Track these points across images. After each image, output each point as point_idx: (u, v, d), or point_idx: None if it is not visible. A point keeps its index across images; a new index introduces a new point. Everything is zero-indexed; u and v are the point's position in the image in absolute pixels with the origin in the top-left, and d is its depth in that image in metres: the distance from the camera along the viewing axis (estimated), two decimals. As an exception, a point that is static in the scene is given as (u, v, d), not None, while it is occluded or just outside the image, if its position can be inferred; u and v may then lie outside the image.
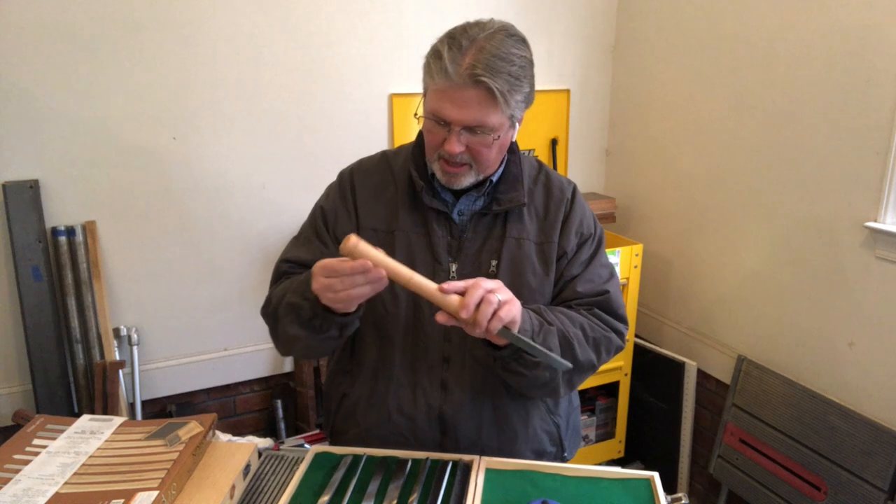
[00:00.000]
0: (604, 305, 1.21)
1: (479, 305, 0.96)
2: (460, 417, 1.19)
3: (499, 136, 1.09)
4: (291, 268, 1.23)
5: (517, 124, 1.15)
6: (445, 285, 0.97)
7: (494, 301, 0.96)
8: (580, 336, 1.14)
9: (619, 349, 1.22)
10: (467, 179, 1.14)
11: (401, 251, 1.18)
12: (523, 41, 1.10)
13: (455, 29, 1.08)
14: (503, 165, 1.22)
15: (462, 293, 0.97)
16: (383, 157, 1.29)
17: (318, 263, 1.02)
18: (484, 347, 1.08)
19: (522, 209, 1.20)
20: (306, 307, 1.06)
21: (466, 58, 1.03)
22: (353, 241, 0.97)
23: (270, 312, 1.18)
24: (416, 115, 1.14)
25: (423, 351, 1.19)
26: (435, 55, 1.07)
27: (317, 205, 1.28)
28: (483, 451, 1.20)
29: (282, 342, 1.17)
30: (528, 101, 1.13)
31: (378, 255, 0.97)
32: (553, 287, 1.22)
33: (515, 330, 1.01)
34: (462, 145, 1.08)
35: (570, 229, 1.22)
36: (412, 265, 1.10)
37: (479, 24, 1.07)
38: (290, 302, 1.10)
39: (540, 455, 1.27)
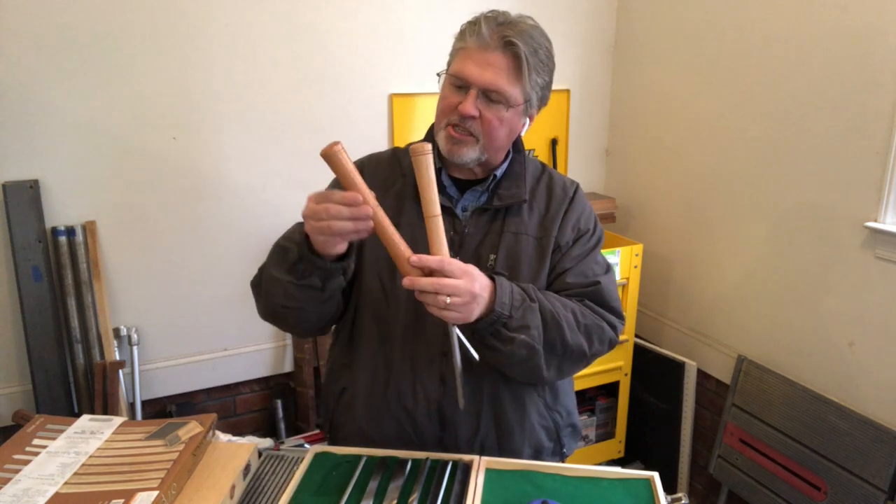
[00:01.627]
0: (594, 296, 1.20)
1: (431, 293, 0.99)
2: (459, 412, 1.19)
3: (510, 109, 1.12)
4: (286, 242, 1.22)
5: (528, 119, 1.19)
6: (415, 258, 0.99)
7: (441, 303, 0.98)
8: (570, 319, 1.13)
9: (613, 342, 1.21)
10: (470, 154, 1.15)
11: None
12: (550, 43, 1.18)
13: (494, 9, 1.15)
14: (507, 162, 1.23)
15: (429, 273, 0.99)
16: (394, 152, 1.31)
17: (313, 192, 1.02)
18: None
19: (522, 206, 1.22)
20: (293, 249, 1.06)
21: (501, 27, 1.11)
22: (339, 147, 0.96)
23: (261, 267, 1.18)
24: (438, 74, 1.19)
25: (423, 345, 1.19)
26: (471, 22, 1.14)
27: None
28: (482, 446, 1.20)
29: (264, 290, 1.14)
30: (544, 96, 1.19)
31: (354, 173, 0.97)
32: (546, 280, 1.22)
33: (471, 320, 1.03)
34: (476, 110, 1.12)
35: (568, 224, 1.23)
36: None
37: (516, 14, 1.15)
38: (280, 244, 1.10)
39: (538, 450, 1.27)
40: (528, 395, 1.24)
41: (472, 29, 1.12)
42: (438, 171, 1.21)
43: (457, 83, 1.13)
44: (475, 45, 1.11)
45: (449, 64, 1.17)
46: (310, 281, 1.07)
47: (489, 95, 1.11)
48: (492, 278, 1.08)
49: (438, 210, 1.01)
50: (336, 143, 0.96)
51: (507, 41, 1.09)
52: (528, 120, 1.20)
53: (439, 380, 1.19)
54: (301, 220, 1.28)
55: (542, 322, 1.10)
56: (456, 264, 1.01)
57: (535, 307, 1.10)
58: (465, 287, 1.00)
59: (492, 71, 1.10)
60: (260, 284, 1.18)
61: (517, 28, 1.11)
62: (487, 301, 1.05)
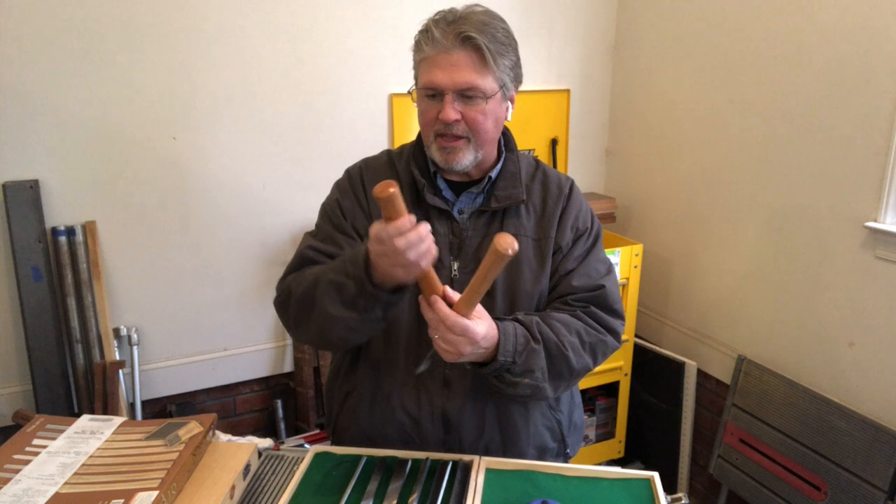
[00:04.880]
0: (599, 301, 1.21)
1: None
2: (463, 416, 1.19)
3: (489, 100, 1.12)
4: (317, 255, 1.19)
5: (510, 101, 1.18)
6: (434, 301, 1.01)
7: (431, 335, 1.02)
8: (576, 344, 1.15)
9: (614, 349, 1.23)
10: (466, 156, 1.15)
11: None
12: (505, 22, 1.16)
13: (441, 10, 1.14)
14: (501, 163, 1.23)
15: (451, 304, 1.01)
16: (388, 156, 1.30)
17: (375, 227, 0.97)
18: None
19: (520, 206, 1.21)
20: (351, 285, 1.03)
21: (453, 25, 1.10)
22: (396, 190, 0.91)
23: (300, 298, 1.12)
24: (409, 92, 1.18)
25: (425, 349, 1.19)
26: (423, 30, 1.13)
27: (329, 200, 1.27)
28: (486, 449, 1.20)
29: (316, 325, 1.10)
30: (517, 74, 1.17)
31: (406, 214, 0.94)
32: (549, 281, 1.22)
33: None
34: (457, 113, 1.11)
35: (566, 224, 1.23)
36: None
37: (463, 8, 1.14)
38: (332, 280, 1.06)
39: (542, 451, 1.27)
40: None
41: (425, 37, 1.12)
42: (434, 175, 1.21)
43: (430, 94, 1.13)
44: (434, 52, 1.10)
45: (415, 77, 1.17)
46: (372, 314, 1.06)
47: (465, 94, 1.11)
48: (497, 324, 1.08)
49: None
50: (392, 185, 0.91)
51: (464, 37, 1.08)
52: (509, 104, 1.19)
53: (442, 384, 1.19)
54: (309, 231, 1.28)
55: (547, 359, 1.11)
56: (457, 324, 0.99)
57: (538, 349, 1.10)
58: (456, 343, 1.01)
59: (459, 71, 1.09)
60: (300, 303, 1.13)
61: (469, 21, 1.10)
62: (490, 349, 1.06)
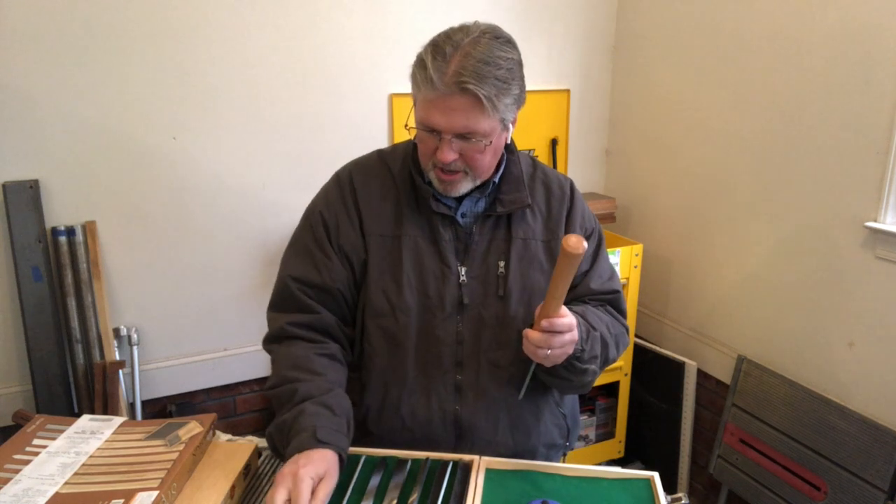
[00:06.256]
0: (615, 304, 1.26)
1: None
2: (476, 420, 1.19)
3: (490, 142, 1.09)
4: (300, 288, 1.18)
5: (510, 126, 1.15)
6: (547, 324, 1.03)
7: (542, 355, 1.04)
8: (607, 335, 1.18)
9: (626, 347, 1.27)
10: (464, 186, 1.14)
11: (408, 256, 1.17)
12: (509, 42, 1.08)
13: (438, 36, 1.07)
14: (503, 166, 1.22)
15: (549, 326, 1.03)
16: (380, 157, 1.27)
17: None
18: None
19: (526, 209, 1.21)
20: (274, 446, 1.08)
21: (451, 65, 1.02)
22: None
23: (271, 393, 1.13)
24: (406, 125, 1.14)
25: (435, 356, 1.18)
26: (419, 65, 1.06)
27: (314, 209, 1.24)
28: (498, 451, 1.19)
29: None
30: (519, 102, 1.12)
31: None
32: None
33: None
34: (454, 153, 1.08)
35: (575, 225, 1.24)
36: (421, 269, 1.11)
37: (462, 30, 1.06)
38: (269, 433, 1.09)
39: (551, 448, 1.28)
40: (542, 397, 1.25)
41: (423, 75, 1.04)
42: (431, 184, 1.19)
43: (428, 129, 1.08)
44: (431, 95, 1.04)
45: (414, 100, 1.12)
46: None
47: (464, 136, 1.07)
48: None
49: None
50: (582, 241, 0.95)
51: (462, 87, 1.01)
52: (510, 126, 1.15)
53: (454, 389, 1.19)
54: (290, 243, 1.27)
55: (601, 348, 1.14)
56: (565, 323, 1.03)
57: (597, 335, 1.13)
58: (571, 339, 1.04)
59: (457, 116, 1.04)
60: (270, 375, 1.16)
61: (468, 60, 1.01)
62: None
